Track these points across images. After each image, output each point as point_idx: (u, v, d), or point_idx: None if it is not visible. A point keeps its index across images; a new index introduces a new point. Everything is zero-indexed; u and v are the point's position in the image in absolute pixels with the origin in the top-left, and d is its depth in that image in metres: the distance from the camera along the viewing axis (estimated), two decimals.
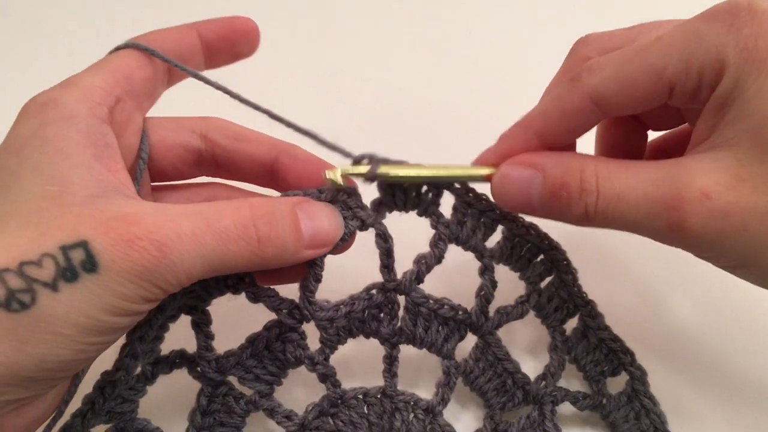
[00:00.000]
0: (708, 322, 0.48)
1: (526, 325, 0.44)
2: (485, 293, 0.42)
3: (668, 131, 0.45)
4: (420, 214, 0.41)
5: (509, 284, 0.43)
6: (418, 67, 0.68)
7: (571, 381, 0.45)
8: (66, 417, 0.37)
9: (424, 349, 0.43)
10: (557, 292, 0.43)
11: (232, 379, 0.41)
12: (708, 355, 0.47)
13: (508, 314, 0.43)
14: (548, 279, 0.43)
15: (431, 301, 0.42)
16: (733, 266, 0.34)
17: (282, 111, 0.39)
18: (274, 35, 0.43)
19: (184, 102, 0.43)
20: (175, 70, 0.40)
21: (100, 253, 0.30)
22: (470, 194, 0.41)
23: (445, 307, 0.42)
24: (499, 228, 0.42)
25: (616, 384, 0.43)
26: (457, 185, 0.40)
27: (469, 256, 0.42)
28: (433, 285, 0.42)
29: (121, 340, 0.37)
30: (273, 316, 0.41)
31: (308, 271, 0.39)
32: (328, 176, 0.38)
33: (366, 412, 0.42)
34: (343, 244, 0.39)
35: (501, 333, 0.43)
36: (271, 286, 0.40)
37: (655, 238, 0.34)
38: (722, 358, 0.47)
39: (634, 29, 0.38)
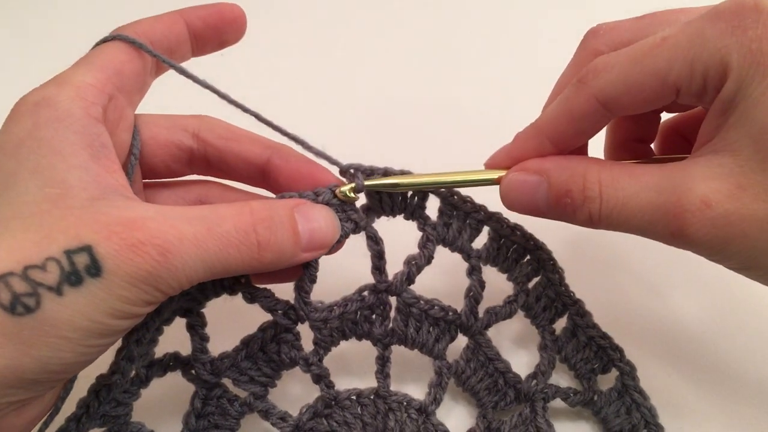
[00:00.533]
0: (709, 321, 0.49)
1: (516, 322, 0.45)
2: (474, 294, 0.43)
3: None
4: (407, 218, 0.42)
5: (498, 285, 0.44)
6: (418, 67, 0.68)
7: (563, 377, 0.46)
8: (61, 415, 0.37)
9: (416, 350, 0.44)
10: (545, 291, 0.44)
11: (227, 382, 0.41)
12: (708, 355, 0.47)
13: (497, 314, 0.44)
14: (535, 279, 0.44)
15: (422, 302, 0.43)
16: (737, 268, 0.34)
17: (280, 110, 0.39)
18: (273, 35, 0.43)
19: (173, 95, 0.43)
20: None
21: (104, 258, 0.30)
22: (455, 197, 0.42)
23: (436, 307, 0.43)
24: (486, 229, 0.43)
25: (607, 380, 0.44)
26: (442, 189, 0.41)
27: (458, 258, 0.43)
28: (423, 287, 0.43)
29: (117, 343, 0.37)
30: (266, 318, 0.41)
31: (303, 272, 0.40)
32: (341, 190, 0.39)
33: (360, 412, 0.42)
34: (337, 245, 0.40)
35: (492, 331, 0.44)
36: (266, 287, 0.40)
37: (660, 241, 0.35)
38: (723, 357, 0.47)
39: (644, 19, 0.38)
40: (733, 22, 0.31)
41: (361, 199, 0.41)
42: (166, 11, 0.40)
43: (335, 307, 0.41)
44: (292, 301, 0.40)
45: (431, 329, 0.43)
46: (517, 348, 0.47)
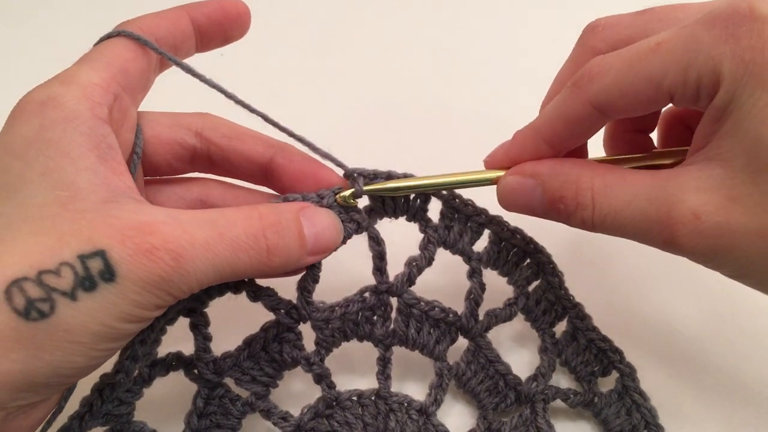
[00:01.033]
0: (708, 323, 0.49)
1: (516, 324, 0.45)
2: (474, 296, 0.43)
3: None
4: (409, 220, 0.43)
5: (499, 288, 0.45)
6: (420, 67, 0.69)
7: (563, 377, 0.46)
8: (65, 413, 0.37)
9: (417, 352, 0.44)
10: (545, 295, 0.44)
11: (229, 381, 0.42)
12: (707, 356, 0.48)
13: (497, 317, 0.44)
14: (535, 283, 0.44)
15: (422, 303, 0.43)
16: (731, 276, 0.34)
17: (282, 108, 0.40)
18: (273, 34, 0.43)
19: (175, 93, 0.43)
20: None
21: (118, 262, 0.30)
22: (457, 200, 0.42)
23: (436, 309, 0.43)
24: (487, 232, 0.43)
25: (607, 381, 0.44)
26: (444, 192, 0.42)
27: (459, 261, 0.43)
28: (424, 290, 0.43)
29: None
30: (267, 318, 0.41)
31: (307, 272, 0.40)
32: (341, 196, 0.39)
33: (361, 413, 0.43)
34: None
35: (492, 333, 0.44)
36: (269, 286, 0.41)
37: (654, 247, 0.35)
38: (722, 359, 0.47)
39: (644, 16, 0.38)
40: (728, 29, 0.31)
41: (365, 199, 0.41)
42: (170, 7, 0.40)
43: (337, 308, 0.42)
44: (295, 301, 0.41)
45: (432, 331, 0.44)
46: (518, 350, 0.48)
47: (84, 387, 0.38)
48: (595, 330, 0.44)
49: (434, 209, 0.43)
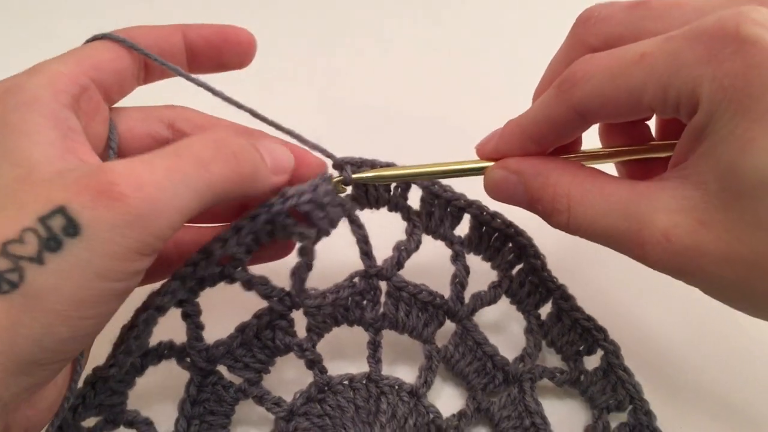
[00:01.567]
0: (709, 324, 0.50)
1: (502, 307, 0.46)
2: (459, 279, 0.44)
3: None
4: (390, 210, 0.43)
5: (485, 271, 0.45)
6: (417, 68, 0.69)
7: (550, 357, 0.47)
8: None
9: (407, 335, 0.45)
10: (528, 278, 0.45)
11: (221, 369, 0.42)
12: (708, 357, 0.49)
13: (482, 299, 0.45)
14: (518, 266, 0.45)
15: (411, 287, 0.44)
16: (702, 291, 0.34)
17: (271, 106, 0.40)
18: (270, 33, 0.43)
19: (160, 99, 0.42)
20: (153, 68, 0.39)
21: (79, 213, 0.29)
22: (436, 186, 0.43)
23: (424, 292, 0.44)
24: (468, 218, 0.44)
25: (592, 360, 0.45)
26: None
27: (442, 250, 0.44)
28: (410, 277, 0.44)
29: (115, 334, 0.38)
30: (257, 306, 0.42)
31: (301, 260, 0.40)
32: (333, 180, 0.39)
33: (352, 396, 0.43)
34: (330, 231, 0.40)
35: (479, 316, 0.45)
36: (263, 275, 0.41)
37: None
38: (715, 351, 0.49)
39: (638, 10, 0.37)
40: (711, 50, 0.30)
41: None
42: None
43: (328, 294, 0.42)
44: (288, 289, 0.41)
45: (420, 314, 0.44)
46: (504, 331, 0.48)
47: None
48: (579, 310, 0.45)
49: (413, 198, 0.43)
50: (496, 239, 0.44)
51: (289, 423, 0.42)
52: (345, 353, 0.46)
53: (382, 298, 0.44)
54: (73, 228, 0.28)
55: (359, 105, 0.64)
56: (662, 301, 0.50)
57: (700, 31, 0.31)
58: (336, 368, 0.44)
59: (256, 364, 0.42)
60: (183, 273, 0.37)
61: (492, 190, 0.39)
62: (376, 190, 0.42)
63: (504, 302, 0.46)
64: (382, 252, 0.44)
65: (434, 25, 0.74)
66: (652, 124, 0.42)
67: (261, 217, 0.36)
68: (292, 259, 0.41)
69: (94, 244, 0.29)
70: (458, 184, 0.43)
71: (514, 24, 0.74)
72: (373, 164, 0.41)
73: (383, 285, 0.44)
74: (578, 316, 0.45)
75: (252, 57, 0.41)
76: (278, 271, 0.41)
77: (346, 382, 0.44)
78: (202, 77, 0.39)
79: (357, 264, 0.44)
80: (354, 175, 0.40)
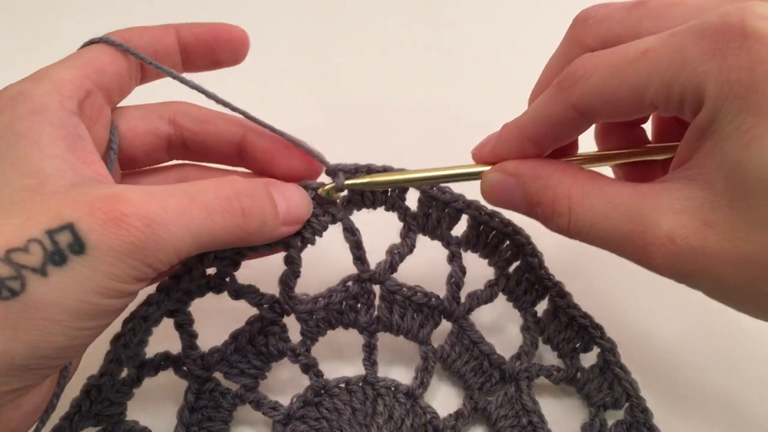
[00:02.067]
0: (709, 324, 0.49)
1: (498, 305, 0.46)
2: (455, 279, 0.44)
3: None
4: (387, 210, 0.43)
5: (480, 271, 0.45)
6: (415, 67, 0.69)
7: (546, 355, 0.47)
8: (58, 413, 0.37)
9: (402, 337, 0.45)
10: (525, 275, 0.45)
11: (218, 376, 0.42)
12: (708, 357, 0.48)
13: (479, 298, 0.45)
14: (515, 264, 0.45)
15: (405, 289, 0.44)
16: (706, 295, 0.34)
17: (265, 108, 0.40)
18: (273, 32, 0.42)
19: (156, 98, 0.43)
20: (149, 68, 0.40)
21: (87, 234, 0.30)
22: (434, 188, 0.42)
23: (418, 294, 0.44)
24: (465, 217, 0.44)
25: (589, 358, 0.45)
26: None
27: (439, 249, 0.44)
28: (406, 277, 0.44)
29: (108, 341, 0.38)
30: (252, 312, 0.42)
31: (288, 268, 0.41)
32: (323, 189, 0.40)
33: (349, 399, 0.44)
34: (315, 239, 0.40)
35: (475, 315, 0.45)
36: (251, 283, 0.41)
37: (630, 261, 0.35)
38: (714, 349, 0.48)
39: (637, 10, 0.36)
40: (716, 45, 0.29)
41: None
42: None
43: (320, 299, 0.42)
44: (278, 295, 0.41)
45: (415, 315, 0.44)
46: (501, 330, 0.48)
47: (75, 389, 0.38)
48: (576, 307, 0.45)
49: (412, 197, 0.43)
50: (494, 237, 0.44)
51: (286, 426, 0.43)
52: (342, 355, 0.47)
53: (377, 301, 0.44)
54: (78, 246, 0.30)
55: (356, 105, 0.64)
56: (659, 298, 0.50)
57: (704, 27, 0.30)
58: (333, 369, 0.45)
59: (251, 370, 0.42)
60: (167, 285, 0.38)
61: (489, 195, 0.39)
62: (372, 192, 0.42)
63: (500, 301, 0.46)
64: (380, 249, 0.44)
65: (433, 24, 0.74)
66: (647, 127, 0.42)
67: None
68: (281, 266, 0.41)
69: (97, 263, 0.30)
70: (457, 185, 0.42)
71: (513, 24, 0.73)
72: (368, 169, 0.41)
73: (377, 288, 0.44)
74: (575, 313, 0.45)
75: (245, 53, 0.42)
76: (268, 276, 0.42)
77: (342, 385, 0.44)
78: (198, 78, 0.40)
79: (353, 266, 0.43)
80: (347, 182, 0.40)
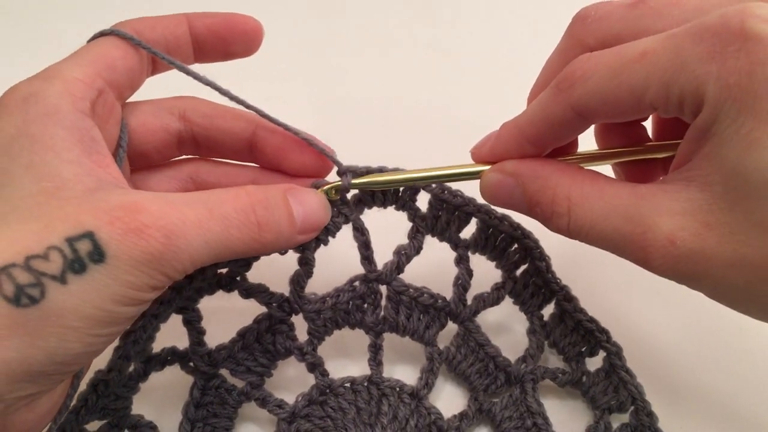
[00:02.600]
0: (709, 324, 0.49)
1: (505, 308, 0.46)
2: (462, 282, 0.44)
3: None
4: (398, 209, 0.43)
5: (487, 273, 0.45)
6: (416, 67, 0.69)
7: (552, 358, 0.47)
8: None
9: (408, 337, 0.45)
10: (532, 279, 0.45)
11: (224, 372, 0.43)
12: (708, 361, 0.48)
13: (485, 301, 0.45)
14: (523, 267, 0.45)
15: (411, 290, 0.44)
16: (706, 296, 0.34)
17: (277, 106, 0.40)
18: (273, 32, 0.43)
19: (166, 93, 0.43)
20: (160, 60, 0.39)
21: (107, 243, 0.30)
22: (445, 192, 0.42)
23: (425, 295, 0.44)
24: (475, 220, 0.44)
25: (595, 361, 0.45)
26: (433, 185, 0.42)
27: (447, 250, 0.44)
28: (413, 278, 0.44)
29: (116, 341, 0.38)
30: (260, 310, 0.42)
31: (301, 269, 0.41)
32: (322, 190, 0.40)
33: (354, 398, 0.44)
34: (328, 240, 0.41)
35: (481, 317, 0.45)
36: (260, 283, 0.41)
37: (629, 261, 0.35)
38: (713, 348, 0.48)
39: (636, 9, 0.36)
40: (716, 47, 0.29)
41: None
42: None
43: (328, 299, 0.43)
44: (287, 294, 0.41)
45: (421, 316, 0.45)
46: (507, 333, 0.48)
47: (82, 383, 0.38)
48: (582, 311, 0.45)
49: (423, 198, 0.43)
50: (503, 240, 0.44)
51: (291, 425, 0.43)
52: (348, 353, 0.47)
53: (383, 302, 0.44)
54: (98, 255, 0.30)
55: (356, 104, 0.64)
56: (665, 303, 0.50)
57: (703, 28, 0.30)
58: (339, 368, 0.45)
59: (258, 368, 0.42)
60: (179, 284, 0.38)
61: (488, 194, 0.39)
62: (383, 193, 0.42)
63: (506, 303, 0.46)
64: (387, 249, 0.44)
65: (433, 24, 0.74)
66: (648, 125, 0.41)
67: None
68: (292, 265, 0.41)
69: (116, 272, 0.31)
70: (461, 185, 0.42)
71: (513, 24, 0.74)
72: (379, 171, 0.41)
73: (384, 289, 0.44)
74: (581, 317, 0.45)
75: (259, 45, 0.42)
76: (277, 274, 0.42)
77: (347, 385, 0.44)
78: (210, 73, 0.39)
79: (360, 266, 0.44)
80: (354, 181, 0.40)
